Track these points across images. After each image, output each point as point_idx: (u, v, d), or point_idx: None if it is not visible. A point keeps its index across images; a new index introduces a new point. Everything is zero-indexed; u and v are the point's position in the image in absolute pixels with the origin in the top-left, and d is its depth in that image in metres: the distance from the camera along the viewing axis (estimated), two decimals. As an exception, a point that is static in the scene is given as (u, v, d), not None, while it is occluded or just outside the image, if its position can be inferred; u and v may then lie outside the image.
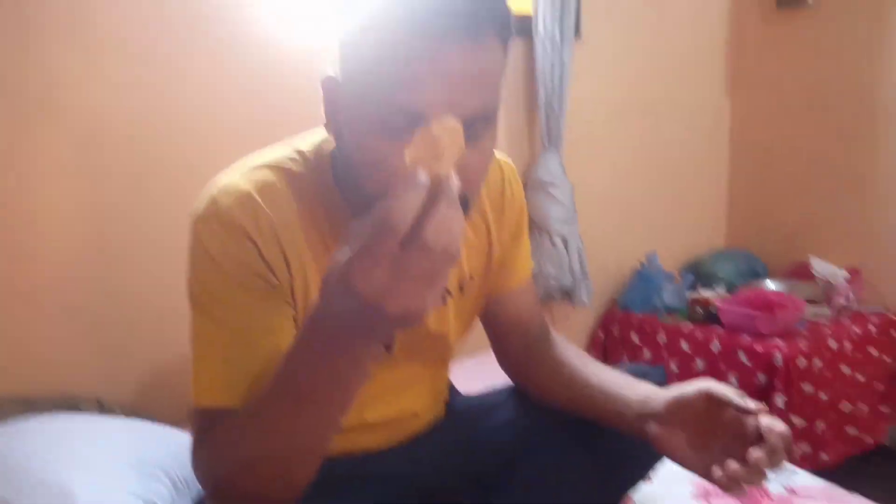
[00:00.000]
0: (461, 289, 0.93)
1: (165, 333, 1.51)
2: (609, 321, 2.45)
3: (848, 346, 2.10)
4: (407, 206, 0.49)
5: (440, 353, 0.99)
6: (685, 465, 0.82)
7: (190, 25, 1.58)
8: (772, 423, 0.75)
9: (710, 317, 2.20)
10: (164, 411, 1.47)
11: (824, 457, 2.01)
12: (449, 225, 0.50)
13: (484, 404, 1.07)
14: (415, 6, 0.62)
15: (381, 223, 0.49)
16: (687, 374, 2.15)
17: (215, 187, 0.77)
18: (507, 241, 0.98)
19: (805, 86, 2.54)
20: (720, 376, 2.06)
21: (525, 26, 2.09)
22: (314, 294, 0.78)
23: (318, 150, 0.82)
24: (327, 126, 0.75)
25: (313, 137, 0.83)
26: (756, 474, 0.73)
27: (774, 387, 1.94)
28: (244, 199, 0.75)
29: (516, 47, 2.11)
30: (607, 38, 2.38)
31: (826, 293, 2.26)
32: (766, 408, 0.77)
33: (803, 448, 1.98)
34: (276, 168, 0.79)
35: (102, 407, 1.46)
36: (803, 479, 1.30)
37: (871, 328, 2.18)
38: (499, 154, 0.93)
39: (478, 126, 0.67)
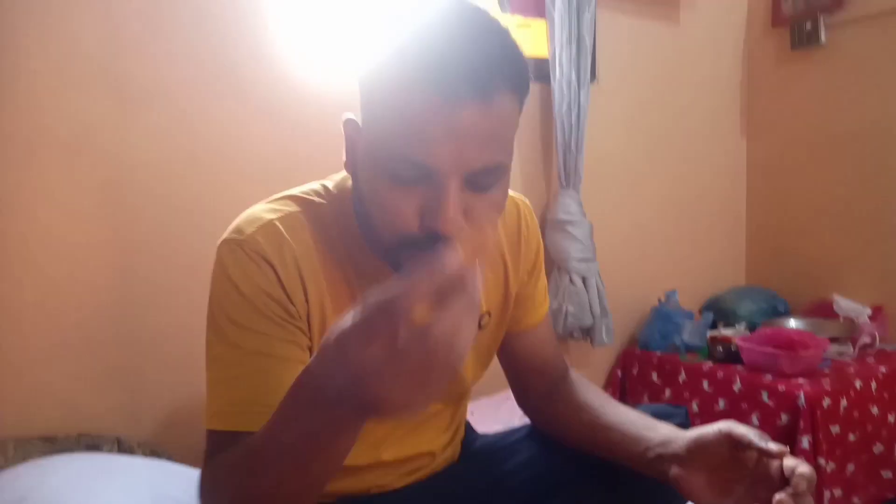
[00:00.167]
0: (479, 325, 0.94)
1: (184, 374, 1.52)
2: (628, 360, 2.43)
3: (874, 385, 2.06)
4: (421, 290, 0.46)
5: (457, 391, 0.99)
6: (707, 508, 0.81)
7: (217, 73, 1.63)
8: (796, 466, 0.74)
9: (730, 356, 2.17)
10: (182, 451, 1.47)
11: (856, 501, 1.96)
12: (459, 327, 0.46)
13: (502, 444, 1.06)
14: (430, 60, 0.63)
15: (390, 300, 0.47)
16: (708, 414, 2.12)
17: (242, 215, 0.80)
18: (524, 277, 0.98)
19: (821, 124, 2.54)
20: (742, 416, 2.02)
21: (542, 69, 2.13)
22: (331, 322, 0.79)
23: (341, 186, 0.84)
24: (346, 164, 0.78)
25: (340, 175, 0.86)
26: (781, 519, 0.71)
27: (799, 428, 1.90)
28: (267, 227, 0.77)
29: (532, 89, 2.14)
30: (623, 80, 2.41)
31: (849, 331, 2.22)
32: (788, 450, 0.76)
33: (835, 492, 1.92)
34: (299, 200, 0.82)
35: (122, 446, 1.47)
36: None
37: (898, 367, 2.14)
38: (515, 193, 0.95)
39: (487, 177, 0.68)
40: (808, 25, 2.48)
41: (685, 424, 0.89)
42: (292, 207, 0.81)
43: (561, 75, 2.10)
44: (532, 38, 2.17)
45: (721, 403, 2.10)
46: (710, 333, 2.29)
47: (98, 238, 1.52)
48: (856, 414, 1.99)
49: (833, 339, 2.18)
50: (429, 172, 0.65)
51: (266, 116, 1.70)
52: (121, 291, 1.56)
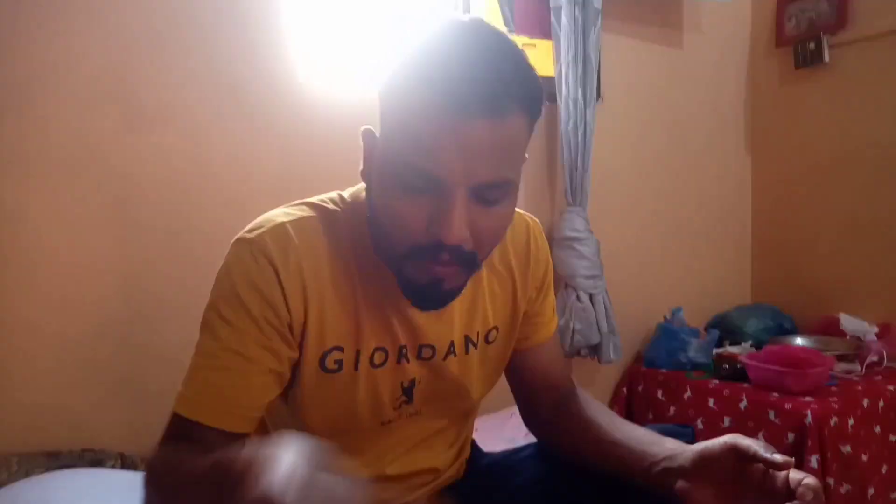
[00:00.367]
0: (487, 340, 0.94)
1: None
2: (633, 377, 2.42)
3: (881, 404, 2.04)
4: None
5: (462, 406, 0.98)
6: (714, 522, 0.80)
7: (223, 91, 1.65)
8: (802, 478, 0.73)
9: (736, 373, 2.16)
10: (187, 467, 1.46)
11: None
12: None
13: (509, 462, 1.06)
14: (444, 76, 0.66)
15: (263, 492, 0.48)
16: (714, 432, 2.10)
17: (259, 217, 0.83)
18: (532, 294, 0.99)
19: (825, 142, 2.55)
20: (748, 435, 1.95)
21: (548, 87, 2.14)
22: (329, 330, 0.81)
23: (356, 195, 0.87)
24: (362, 173, 0.80)
25: (358, 186, 0.88)
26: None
27: (807, 447, 1.88)
28: (277, 230, 0.79)
29: (537, 106, 2.16)
30: (628, 100, 2.43)
31: (856, 349, 2.21)
32: (794, 461, 0.75)
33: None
34: (316, 206, 0.85)
35: (125, 462, 1.47)
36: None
37: (905, 385, 2.12)
38: (524, 212, 0.97)
39: (494, 192, 0.71)
40: (812, 45, 2.50)
41: (692, 444, 0.88)
42: (307, 212, 0.83)
43: (567, 94, 2.11)
44: (538, 57, 2.19)
45: (727, 421, 2.09)
46: (716, 351, 2.28)
47: (103, 255, 1.53)
48: (862, 433, 1.97)
49: (840, 357, 2.17)
50: (437, 183, 0.68)
51: (272, 135, 1.71)
52: (125, 308, 1.56)
